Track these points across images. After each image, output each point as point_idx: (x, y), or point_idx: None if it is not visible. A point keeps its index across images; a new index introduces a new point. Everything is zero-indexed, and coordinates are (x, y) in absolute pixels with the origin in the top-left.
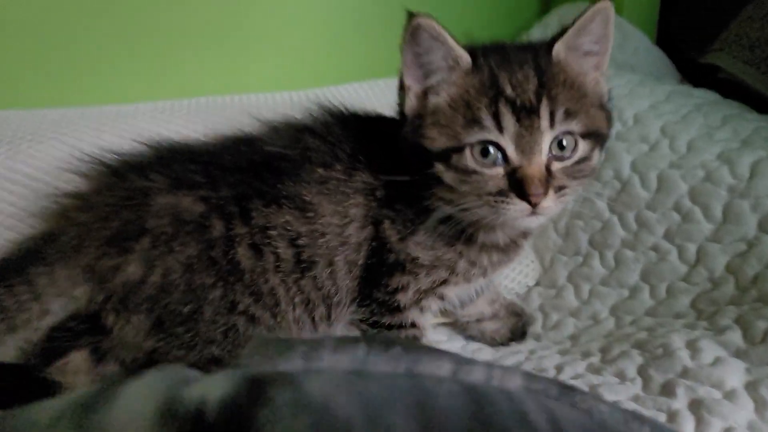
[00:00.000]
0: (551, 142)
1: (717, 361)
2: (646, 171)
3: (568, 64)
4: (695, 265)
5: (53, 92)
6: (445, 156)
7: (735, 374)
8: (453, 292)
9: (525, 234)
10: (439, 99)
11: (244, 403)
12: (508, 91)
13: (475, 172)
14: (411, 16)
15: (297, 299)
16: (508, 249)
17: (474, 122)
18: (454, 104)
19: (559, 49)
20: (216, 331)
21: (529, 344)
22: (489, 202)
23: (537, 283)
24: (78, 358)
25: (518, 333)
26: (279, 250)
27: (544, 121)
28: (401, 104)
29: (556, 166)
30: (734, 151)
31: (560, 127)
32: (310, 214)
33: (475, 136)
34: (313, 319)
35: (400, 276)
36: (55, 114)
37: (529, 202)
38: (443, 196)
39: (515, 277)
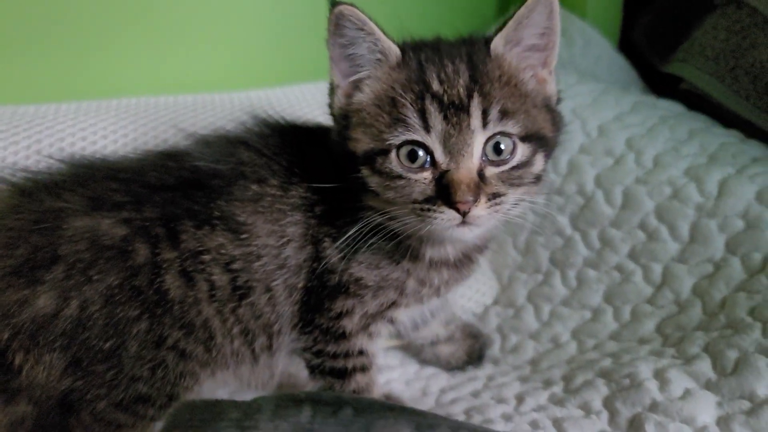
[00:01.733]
0: (485, 144)
1: (687, 394)
2: (610, 186)
3: (506, 60)
4: (661, 287)
5: None
6: (370, 159)
7: (706, 409)
8: (404, 315)
9: (479, 248)
10: (362, 96)
11: None
12: (435, 86)
13: (400, 176)
14: (333, 4)
15: (235, 330)
16: (461, 265)
17: (398, 121)
18: (379, 102)
19: (497, 42)
20: (142, 368)
21: (486, 369)
22: (415, 211)
23: (495, 302)
24: None
25: (475, 356)
26: (213, 277)
27: (475, 120)
28: (331, 105)
29: (490, 171)
30: (702, 167)
31: (494, 128)
32: (245, 236)
33: (400, 136)
34: (253, 350)
35: (344, 299)
36: None
37: (457, 210)
38: (372, 205)
39: (472, 296)
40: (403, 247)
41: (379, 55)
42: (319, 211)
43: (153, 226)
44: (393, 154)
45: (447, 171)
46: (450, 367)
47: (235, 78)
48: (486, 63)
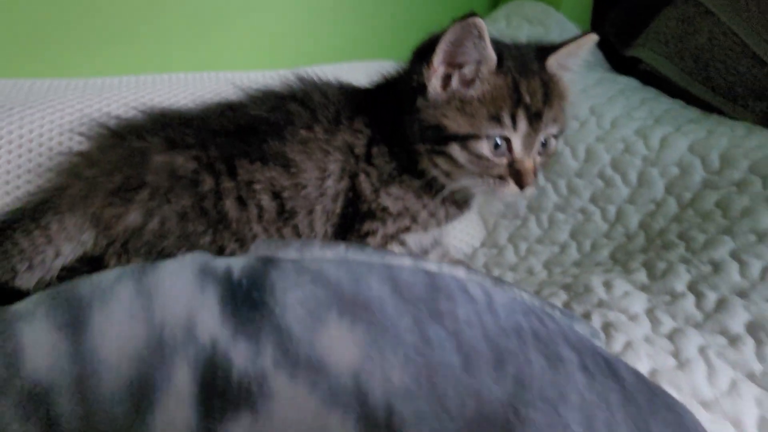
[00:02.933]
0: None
1: (625, 294)
2: (575, 144)
3: (558, 78)
4: (614, 224)
5: (39, 66)
6: (463, 139)
7: (638, 303)
8: (411, 240)
9: (468, 200)
10: (471, 92)
11: (259, 267)
12: (527, 99)
13: (486, 159)
14: (471, 15)
15: None
16: (462, 206)
17: (496, 119)
18: (483, 99)
19: (551, 63)
20: None
21: None
22: (488, 183)
23: (482, 245)
24: None
25: None
26: (263, 203)
27: (544, 126)
28: (418, 78)
29: (538, 159)
30: (648, 127)
31: (549, 131)
32: (293, 170)
33: (496, 131)
34: None
35: (370, 223)
36: (43, 84)
37: (522, 187)
38: (442, 167)
39: (463, 238)
40: (427, 187)
41: (481, 59)
42: (358, 152)
43: (216, 162)
44: (484, 142)
45: (519, 160)
46: None
47: (268, 59)
48: (550, 80)
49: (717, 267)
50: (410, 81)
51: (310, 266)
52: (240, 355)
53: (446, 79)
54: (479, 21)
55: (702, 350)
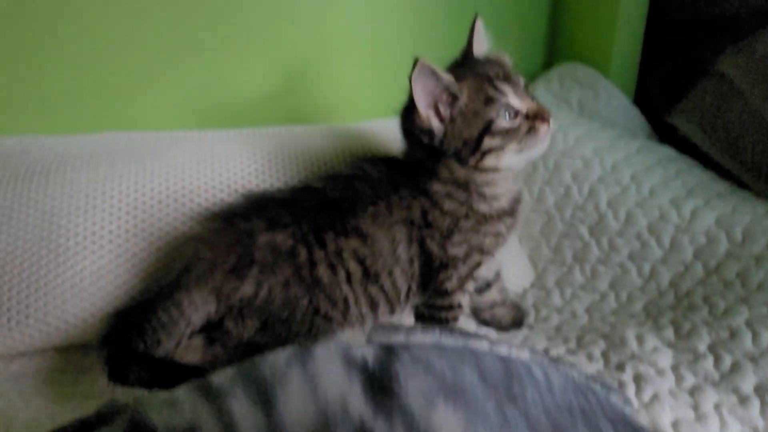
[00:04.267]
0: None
1: (654, 349)
2: (617, 207)
3: (485, 55)
4: (648, 280)
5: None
6: (486, 131)
7: (665, 358)
8: (483, 271)
9: (518, 199)
10: (460, 104)
11: (384, 358)
12: (491, 73)
13: (509, 127)
14: (416, 61)
15: (363, 302)
16: (513, 210)
17: (490, 100)
18: (471, 99)
19: (475, 51)
20: (303, 328)
21: (523, 332)
22: (527, 142)
23: (531, 286)
24: (197, 342)
25: (518, 321)
26: (350, 268)
27: (515, 77)
28: (421, 130)
29: (533, 101)
30: (681, 198)
31: (520, 78)
32: (369, 241)
33: (496, 106)
34: (376, 314)
35: (445, 272)
36: (90, 140)
37: (545, 121)
38: (490, 162)
39: (515, 281)
40: (477, 216)
41: (446, 83)
42: (417, 223)
43: (308, 236)
44: (500, 118)
45: (525, 109)
46: (500, 327)
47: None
48: (488, 59)
49: (734, 333)
50: (420, 140)
51: (420, 356)
52: (380, 430)
53: (437, 112)
54: (424, 62)
55: (717, 407)
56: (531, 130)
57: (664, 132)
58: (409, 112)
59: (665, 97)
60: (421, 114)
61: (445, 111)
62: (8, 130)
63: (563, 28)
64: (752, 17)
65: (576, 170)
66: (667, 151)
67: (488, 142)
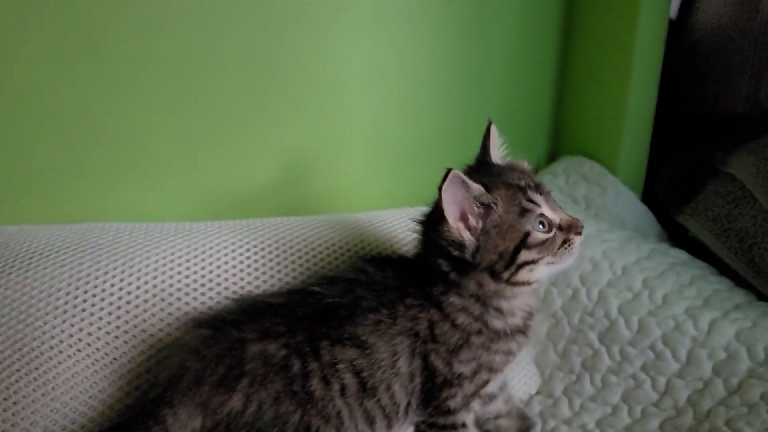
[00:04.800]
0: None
1: None
2: (629, 315)
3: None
4: (664, 395)
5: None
6: (522, 244)
7: None
8: (491, 387)
9: (531, 315)
10: (494, 216)
11: None
12: (522, 183)
13: (545, 239)
14: (448, 172)
15: (359, 416)
16: (526, 328)
17: (524, 211)
18: (505, 212)
19: (494, 158)
20: None
21: None
22: (561, 253)
23: (537, 392)
24: None
25: None
26: (345, 381)
27: (544, 186)
28: (448, 243)
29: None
30: (697, 308)
31: (547, 187)
32: (368, 350)
33: (531, 217)
34: (373, 429)
35: (449, 389)
36: (75, 230)
37: (579, 233)
38: (523, 276)
39: (521, 387)
40: (490, 332)
41: (476, 193)
42: (423, 335)
43: (302, 346)
44: (535, 231)
45: (558, 221)
46: None
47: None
48: (510, 167)
49: None
50: (446, 252)
51: None
52: None
53: (466, 224)
54: (456, 172)
55: None
56: (565, 242)
57: (673, 230)
58: (435, 222)
59: (674, 196)
60: (450, 225)
61: (475, 222)
62: None
63: (569, 121)
64: (762, 118)
65: (584, 272)
66: (680, 255)
67: (525, 255)
